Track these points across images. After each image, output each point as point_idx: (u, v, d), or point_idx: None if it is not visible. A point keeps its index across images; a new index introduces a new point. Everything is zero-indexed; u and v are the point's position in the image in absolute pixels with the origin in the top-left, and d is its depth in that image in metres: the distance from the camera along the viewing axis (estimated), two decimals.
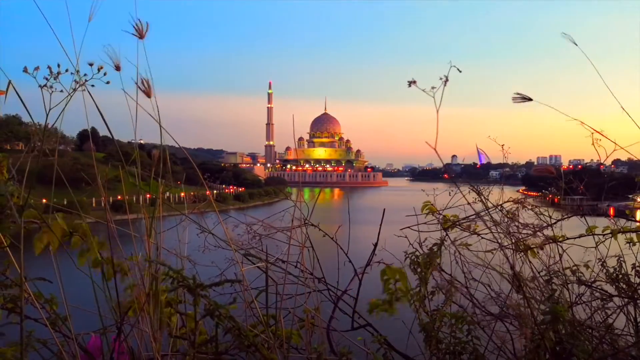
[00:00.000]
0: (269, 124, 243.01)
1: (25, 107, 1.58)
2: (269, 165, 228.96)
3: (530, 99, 1.90)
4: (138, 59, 1.52)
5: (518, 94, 1.88)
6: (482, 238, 2.27)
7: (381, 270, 1.99)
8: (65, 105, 1.59)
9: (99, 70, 1.56)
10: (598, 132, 2.09)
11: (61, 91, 1.57)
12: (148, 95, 1.54)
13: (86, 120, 1.71)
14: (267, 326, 1.77)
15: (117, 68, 1.51)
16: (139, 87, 1.53)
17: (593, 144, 2.10)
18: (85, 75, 1.57)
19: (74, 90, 1.58)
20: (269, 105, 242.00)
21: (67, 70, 1.57)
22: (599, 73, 2.20)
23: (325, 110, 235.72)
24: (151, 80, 1.55)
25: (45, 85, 1.55)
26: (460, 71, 1.89)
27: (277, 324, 1.85)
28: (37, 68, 1.57)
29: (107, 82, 1.58)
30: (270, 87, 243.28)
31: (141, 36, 1.54)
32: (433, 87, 1.90)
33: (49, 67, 1.57)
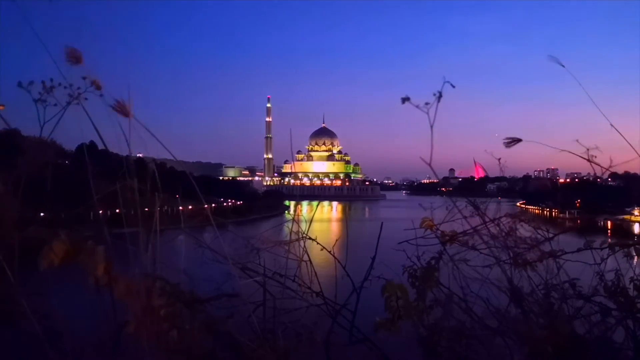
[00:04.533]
0: (267, 138, 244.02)
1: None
2: (267, 178, 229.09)
3: (520, 140, 2.03)
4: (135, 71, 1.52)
5: (508, 138, 2.01)
6: (481, 253, 2.26)
7: (382, 286, 1.99)
8: (60, 118, 1.60)
9: (92, 84, 1.57)
10: (586, 159, 2.12)
11: (55, 105, 1.58)
12: (126, 115, 1.53)
13: (85, 134, 1.72)
14: (265, 341, 1.76)
15: (98, 87, 1.51)
16: (115, 109, 1.52)
17: (589, 160, 2.13)
18: (79, 88, 1.57)
19: (68, 103, 1.59)
20: (268, 119, 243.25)
21: (60, 84, 1.58)
22: (588, 94, 2.24)
23: (323, 123, 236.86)
24: (130, 100, 1.54)
25: (39, 100, 1.56)
26: (453, 86, 1.91)
27: (275, 338, 1.83)
28: (31, 83, 1.58)
29: (101, 95, 1.59)
30: (269, 102, 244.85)
31: (126, 114, 1.52)
32: (427, 103, 1.91)
33: (43, 82, 1.59)
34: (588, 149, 2.13)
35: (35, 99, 1.56)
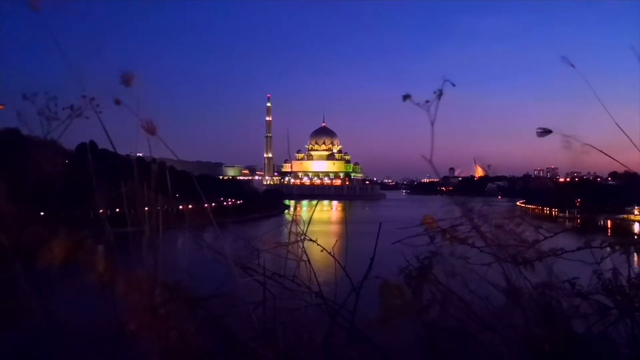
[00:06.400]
0: (267, 137, 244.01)
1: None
2: (267, 177, 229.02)
3: (550, 131, 2.02)
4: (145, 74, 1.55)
5: (540, 128, 2.01)
6: (481, 251, 2.27)
7: (379, 286, 2.00)
8: (63, 131, 1.64)
9: (91, 101, 1.63)
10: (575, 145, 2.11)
11: (58, 119, 1.63)
12: (152, 133, 1.58)
13: (86, 133, 1.75)
14: (264, 340, 1.77)
15: (117, 102, 1.55)
16: (143, 128, 1.57)
17: (566, 141, 2.14)
18: (79, 109, 1.62)
19: (69, 117, 1.63)
20: (268, 118, 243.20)
21: (55, 102, 1.62)
22: (594, 92, 2.24)
23: (323, 123, 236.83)
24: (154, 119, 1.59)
25: (43, 114, 1.60)
26: (454, 85, 1.92)
27: (274, 337, 1.84)
28: (35, 94, 1.62)
29: (100, 112, 1.64)
30: (269, 101, 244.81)
31: (152, 133, 1.59)
32: (427, 101, 1.93)
33: (47, 94, 1.62)
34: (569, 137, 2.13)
35: (40, 112, 1.60)
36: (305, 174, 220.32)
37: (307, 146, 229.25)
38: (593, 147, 2.16)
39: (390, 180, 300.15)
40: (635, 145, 2.22)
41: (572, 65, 2.14)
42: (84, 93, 1.60)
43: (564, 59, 2.12)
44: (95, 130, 1.73)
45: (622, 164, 2.26)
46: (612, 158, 2.18)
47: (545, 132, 2.06)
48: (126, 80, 1.57)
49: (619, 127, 2.29)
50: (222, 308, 1.71)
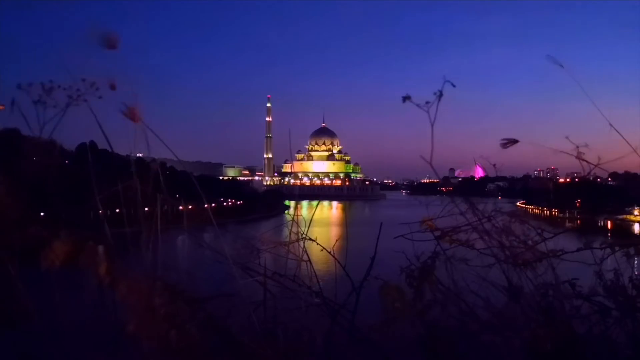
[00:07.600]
0: (267, 137, 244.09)
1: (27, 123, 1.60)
2: (267, 178, 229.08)
3: (516, 141, 2.03)
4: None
5: (504, 139, 2.01)
6: (481, 253, 2.26)
7: (379, 287, 1.99)
8: (60, 119, 1.61)
9: (91, 86, 1.59)
10: (576, 157, 2.13)
11: (54, 107, 1.60)
12: (135, 120, 1.55)
13: (86, 133, 1.73)
14: (265, 340, 1.77)
15: (112, 87, 1.52)
16: (125, 115, 1.54)
17: (578, 157, 2.15)
18: (78, 90, 1.59)
19: (68, 105, 1.61)
20: (268, 119, 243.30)
21: (59, 86, 1.59)
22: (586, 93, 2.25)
23: (323, 123, 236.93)
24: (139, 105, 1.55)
25: (39, 101, 1.58)
26: (454, 86, 1.92)
27: (275, 338, 1.84)
28: (30, 84, 1.60)
29: (100, 97, 1.61)
30: (269, 101, 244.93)
31: (135, 120, 1.55)
32: (427, 102, 1.92)
33: (42, 84, 1.60)
34: (578, 147, 2.14)
35: (35, 101, 1.57)
36: (305, 174, 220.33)
37: (307, 146, 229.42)
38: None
39: (390, 181, 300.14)
40: (633, 148, 2.22)
41: (561, 65, 2.15)
42: (83, 77, 1.56)
43: (550, 58, 2.12)
44: (96, 131, 1.72)
45: (618, 171, 2.26)
46: (592, 163, 2.19)
47: (510, 142, 2.08)
48: (132, 115, 1.55)
49: (615, 128, 2.30)
50: (222, 308, 1.70)
